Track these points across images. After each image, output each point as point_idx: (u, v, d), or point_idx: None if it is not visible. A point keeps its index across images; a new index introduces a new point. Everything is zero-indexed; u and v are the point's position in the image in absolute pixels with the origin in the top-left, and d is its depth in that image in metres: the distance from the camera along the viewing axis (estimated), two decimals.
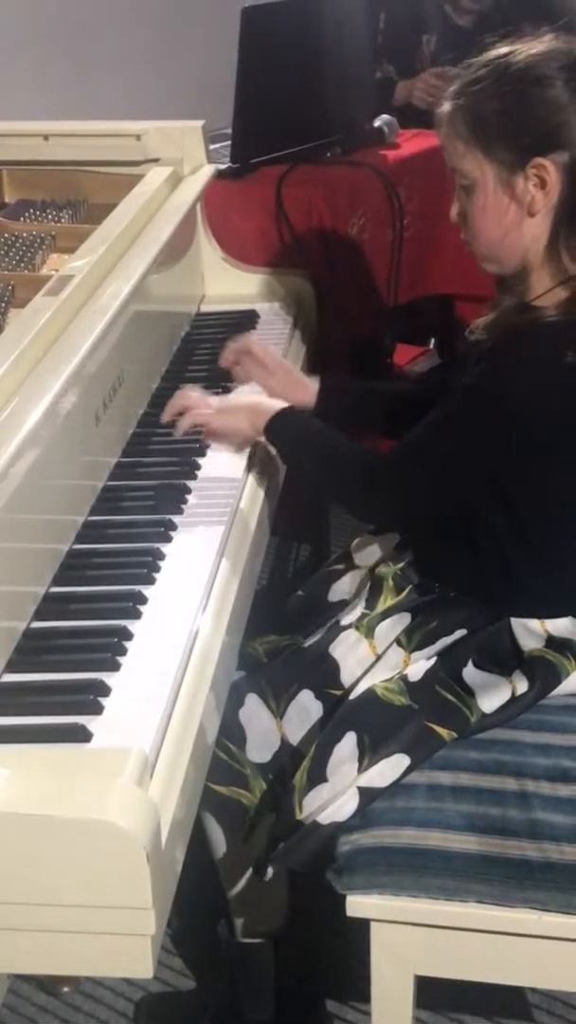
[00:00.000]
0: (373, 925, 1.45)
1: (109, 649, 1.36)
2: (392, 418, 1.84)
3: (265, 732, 1.61)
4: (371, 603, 1.68)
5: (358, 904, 1.43)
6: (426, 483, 1.59)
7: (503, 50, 1.52)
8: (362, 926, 1.45)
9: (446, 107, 1.54)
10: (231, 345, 1.95)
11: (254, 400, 1.78)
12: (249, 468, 1.77)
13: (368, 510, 1.71)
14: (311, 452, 1.72)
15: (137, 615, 1.43)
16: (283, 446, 1.75)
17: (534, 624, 1.59)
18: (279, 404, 1.74)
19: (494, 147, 1.49)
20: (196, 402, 1.78)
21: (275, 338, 2.24)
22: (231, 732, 1.59)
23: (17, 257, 1.99)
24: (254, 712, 1.61)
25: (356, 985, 1.63)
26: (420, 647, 1.60)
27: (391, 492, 1.63)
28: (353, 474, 1.66)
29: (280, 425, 1.71)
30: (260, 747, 1.61)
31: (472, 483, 1.57)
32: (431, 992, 1.60)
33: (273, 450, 1.78)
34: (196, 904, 1.89)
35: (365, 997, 1.52)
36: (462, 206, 1.56)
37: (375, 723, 1.52)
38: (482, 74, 1.51)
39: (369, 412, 1.90)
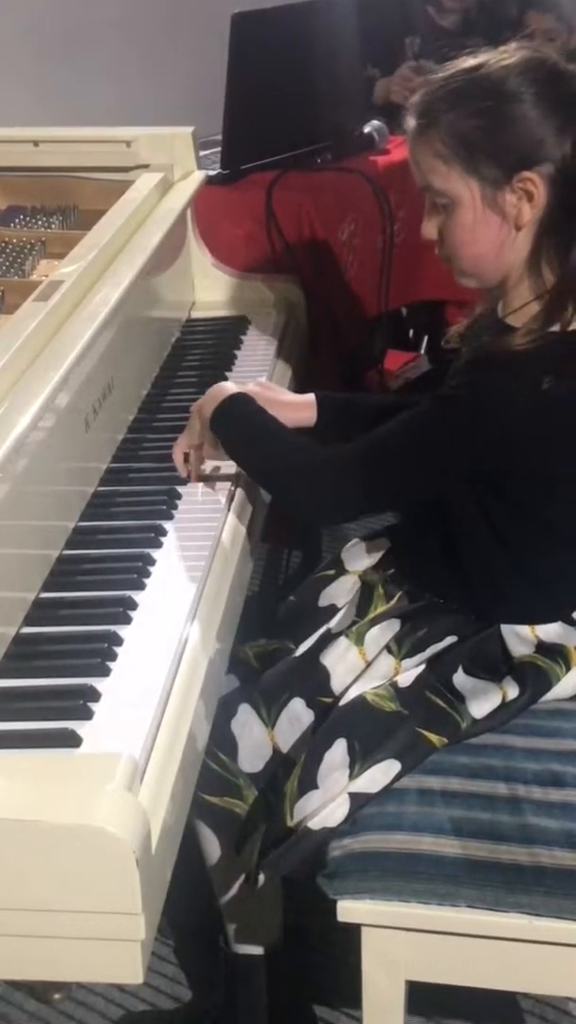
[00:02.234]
0: (364, 930, 1.45)
1: (99, 655, 1.36)
2: None
3: (257, 742, 1.61)
4: (361, 610, 1.68)
5: (349, 909, 1.43)
6: (382, 482, 1.58)
7: (471, 63, 1.50)
8: (353, 931, 1.45)
9: (414, 124, 1.51)
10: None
11: (212, 389, 1.73)
12: (240, 474, 1.77)
13: (313, 504, 1.65)
14: (256, 445, 1.68)
15: (127, 621, 1.43)
16: (227, 438, 1.70)
17: (524, 630, 1.59)
18: (228, 390, 1.70)
19: (480, 165, 1.47)
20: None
21: (265, 344, 2.24)
22: (223, 743, 1.59)
23: (7, 263, 1.99)
24: (246, 722, 1.61)
25: (348, 991, 1.63)
26: (410, 654, 1.60)
27: (341, 486, 1.59)
28: (301, 467, 1.62)
29: (224, 419, 1.68)
30: (252, 757, 1.60)
31: (428, 490, 1.58)
32: (423, 997, 1.60)
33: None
34: (195, 918, 1.90)
35: (357, 1003, 1.52)
36: (439, 223, 1.54)
37: (365, 730, 1.52)
38: (455, 89, 1.48)
39: (365, 427, 1.89)
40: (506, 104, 1.45)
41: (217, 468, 1.77)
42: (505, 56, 1.48)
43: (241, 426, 1.69)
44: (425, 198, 1.56)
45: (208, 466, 1.77)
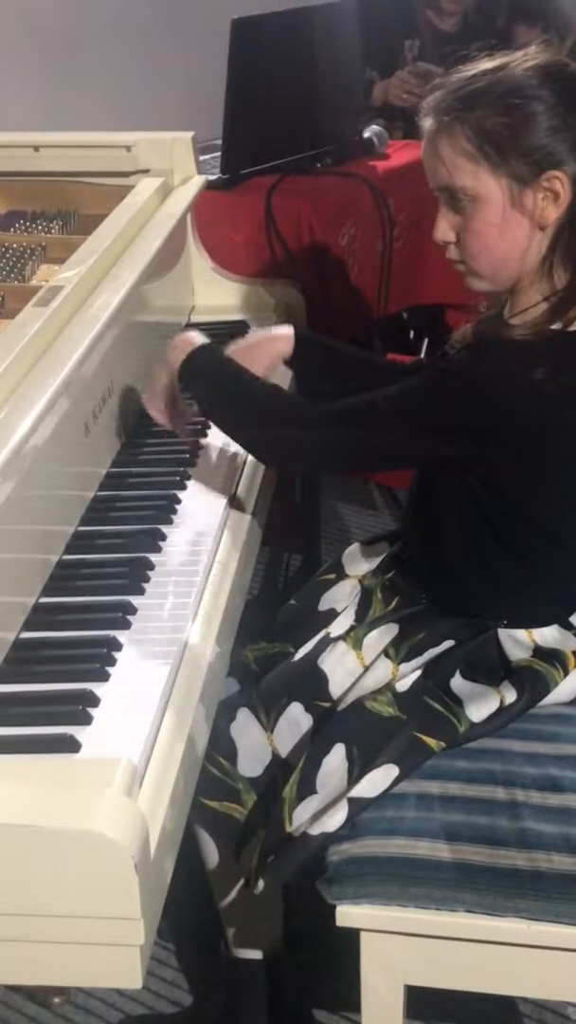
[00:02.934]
0: (363, 935, 1.45)
1: (98, 659, 1.36)
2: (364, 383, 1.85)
3: (256, 746, 1.61)
4: (360, 614, 1.68)
5: (348, 914, 1.43)
6: (363, 442, 1.57)
7: (492, 64, 1.51)
8: (352, 936, 1.45)
9: (433, 122, 1.51)
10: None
11: (179, 337, 1.73)
12: (240, 478, 1.77)
13: (290, 452, 1.65)
14: (230, 394, 1.67)
15: (126, 625, 1.44)
16: (197, 390, 1.71)
17: (521, 634, 1.59)
18: (196, 341, 1.70)
19: (510, 161, 1.47)
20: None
21: None
22: (223, 747, 1.59)
23: (7, 268, 1.99)
24: (245, 727, 1.61)
25: (347, 995, 1.63)
26: (408, 658, 1.60)
27: (325, 438, 1.59)
28: (280, 415, 1.62)
29: (192, 370, 1.67)
30: (252, 761, 1.61)
31: (410, 460, 1.61)
32: (422, 1002, 1.60)
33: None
34: (195, 922, 1.90)
35: (356, 1007, 1.52)
36: (455, 225, 1.54)
37: (364, 734, 1.52)
38: (480, 88, 1.49)
39: (341, 373, 1.89)
40: (532, 103, 1.46)
41: (218, 472, 1.77)
42: (528, 58, 1.50)
43: (212, 377, 1.69)
44: (441, 199, 1.55)
45: (209, 468, 1.77)
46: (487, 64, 1.51)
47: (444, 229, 1.56)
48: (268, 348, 1.78)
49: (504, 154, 1.47)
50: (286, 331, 1.82)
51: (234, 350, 1.78)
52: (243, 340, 1.82)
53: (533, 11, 3.71)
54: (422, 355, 3.50)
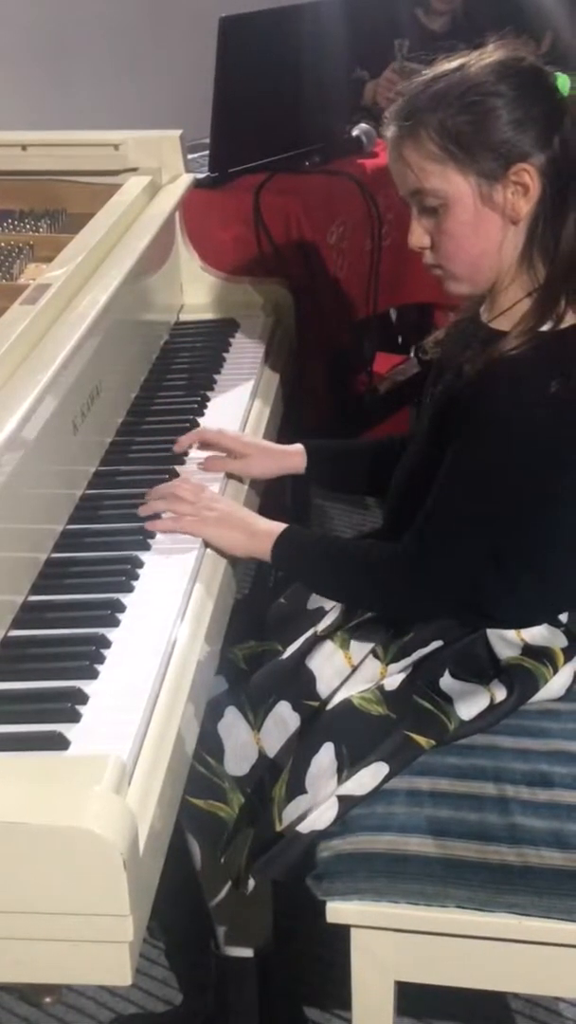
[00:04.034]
0: (353, 931, 1.45)
1: (87, 657, 1.36)
2: (376, 476, 1.86)
3: (243, 745, 1.60)
4: (348, 614, 1.68)
5: (338, 910, 1.43)
6: (469, 545, 1.53)
7: (451, 65, 1.52)
8: (343, 932, 1.45)
9: (396, 129, 1.52)
10: (183, 439, 1.85)
11: (247, 519, 1.66)
12: (228, 476, 1.77)
13: (421, 593, 1.59)
14: (332, 569, 1.64)
15: (115, 623, 1.43)
16: (296, 572, 1.71)
17: (510, 634, 1.58)
18: (273, 527, 1.65)
19: (477, 159, 1.47)
20: (183, 494, 1.66)
21: (253, 347, 2.24)
22: (209, 745, 1.58)
23: None
24: (232, 725, 1.61)
25: (338, 992, 1.63)
26: (396, 659, 1.59)
27: (443, 565, 1.54)
28: (388, 568, 1.58)
29: (284, 552, 1.63)
30: (238, 760, 1.60)
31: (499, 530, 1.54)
32: (412, 998, 1.60)
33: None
34: (185, 920, 1.90)
35: (347, 1004, 1.52)
36: (429, 229, 1.54)
37: (353, 733, 1.52)
38: (439, 89, 1.49)
39: (356, 472, 1.90)
40: (492, 99, 1.47)
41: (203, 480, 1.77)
42: (485, 55, 1.51)
43: (305, 557, 1.65)
44: (412, 204, 1.55)
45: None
46: (445, 66, 1.52)
47: (419, 234, 1.56)
48: (280, 462, 1.83)
49: (470, 151, 1.47)
50: (297, 448, 1.85)
51: (246, 462, 1.81)
52: (255, 444, 1.84)
53: (505, 14, 3.70)
54: (411, 355, 3.51)
